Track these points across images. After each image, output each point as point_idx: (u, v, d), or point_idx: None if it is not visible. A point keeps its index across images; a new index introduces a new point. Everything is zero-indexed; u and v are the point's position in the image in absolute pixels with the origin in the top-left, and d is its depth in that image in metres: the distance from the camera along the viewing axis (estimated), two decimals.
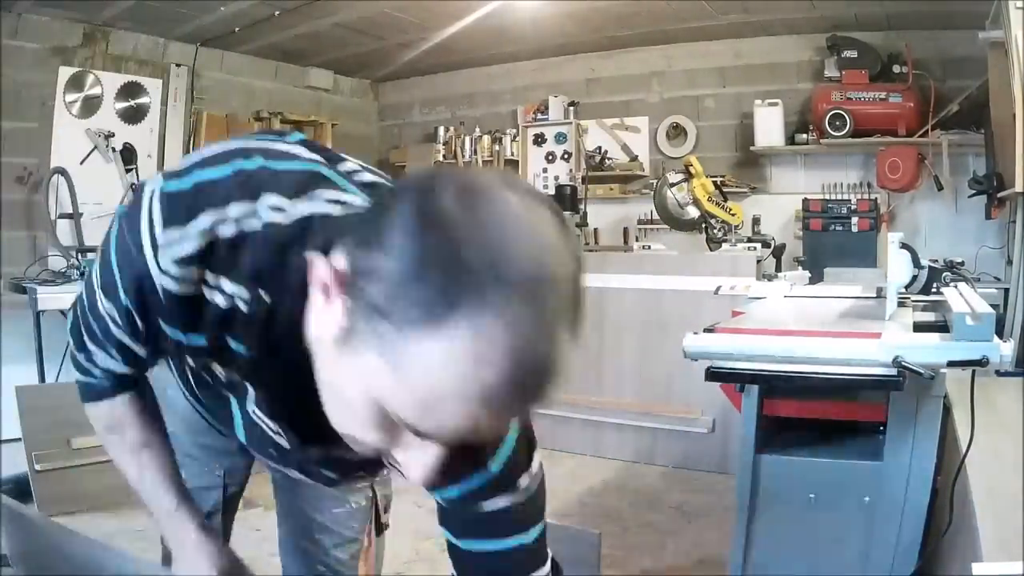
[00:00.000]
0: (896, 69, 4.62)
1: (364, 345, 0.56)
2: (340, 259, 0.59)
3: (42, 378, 3.53)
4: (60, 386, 3.60)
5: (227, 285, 0.70)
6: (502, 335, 0.52)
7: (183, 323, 0.74)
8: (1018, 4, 2.71)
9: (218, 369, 0.80)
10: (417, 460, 0.63)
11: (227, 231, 0.68)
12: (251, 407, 0.82)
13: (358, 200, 0.71)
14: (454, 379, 0.53)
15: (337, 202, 0.71)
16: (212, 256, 0.69)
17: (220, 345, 0.75)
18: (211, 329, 0.74)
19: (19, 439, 3.07)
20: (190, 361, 0.82)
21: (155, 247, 0.70)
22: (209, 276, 0.70)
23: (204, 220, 0.68)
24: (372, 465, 0.76)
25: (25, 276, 3.85)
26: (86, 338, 0.87)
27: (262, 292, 0.70)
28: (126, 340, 0.81)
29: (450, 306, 0.52)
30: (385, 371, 0.55)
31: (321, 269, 0.60)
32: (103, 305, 0.79)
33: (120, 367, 0.88)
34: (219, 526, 1.20)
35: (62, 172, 4.35)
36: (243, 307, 0.71)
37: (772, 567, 1.80)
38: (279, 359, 0.71)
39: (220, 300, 0.71)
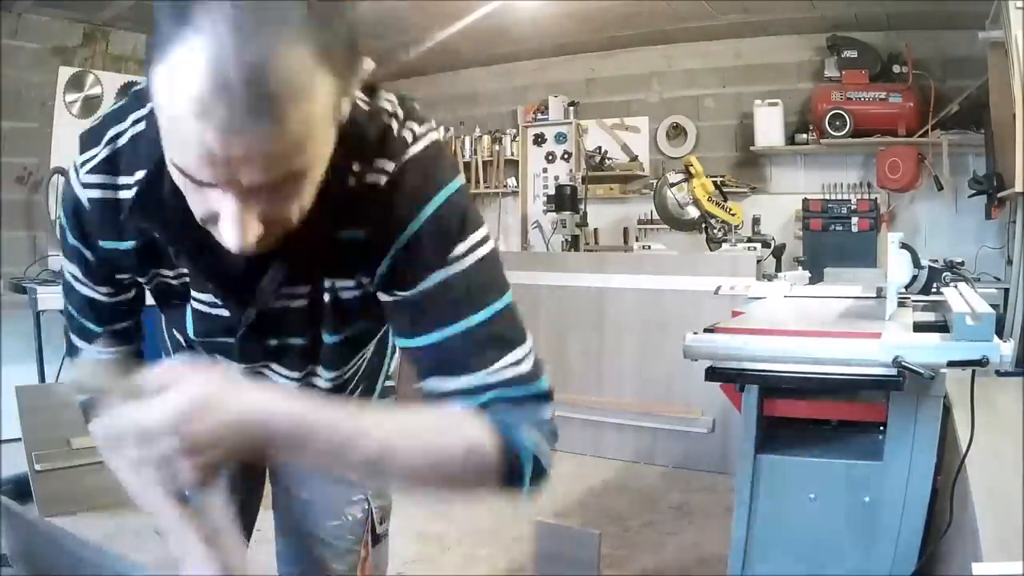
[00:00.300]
0: (896, 69, 4.62)
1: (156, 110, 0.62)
2: None
3: (42, 378, 3.53)
4: (60, 386, 3.60)
5: (130, 179, 0.81)
6: (205, 46, 0.56)
7: (113, 230, 0.84)
8: (1018, 4, 2.71)
9: (167, 275, 0.88)
10: (225, 221, 0.65)
11: (124, 139, 0.82)
12: (193, 298, 0.89)
13: None
14: (180, 100, 0.58)
15: None
16: (117, 160, 0.82)
17: (146, 241, 0.84)
18: (132, 226, 0.83)
19: (19, 439, 3.07)
20: (145, 282, 0.92)
21: (76, 170, 0.84)
22: (120, 179, 0.82)
23: (108, 134, 0.83)
24: (303, 322, 0.87)
25: (25, 276, 3.86)
26: (72, 337, 0.98)
27: (154, 171, 0.77)
28: (88, 292, 0.92)
29: (168, 34, 0.58)
30: (162, 125, 0.62)
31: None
32: (67, 270, 0.93)
33: (106, 342, 0.96)
34: None
35: (62, 172, 4.34)
36: (147, 190, 0.78)
37: (772, 567, 1.80)
38: (184, 225, 0.74)
39: (129, 194, 0.81)
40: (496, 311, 0.80)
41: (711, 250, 4.24)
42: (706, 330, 1.71)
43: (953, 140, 4.46)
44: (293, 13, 0.58)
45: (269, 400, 0.68)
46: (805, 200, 4.78)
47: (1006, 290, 3.13)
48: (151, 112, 0.72)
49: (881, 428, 1.71)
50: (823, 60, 4.90)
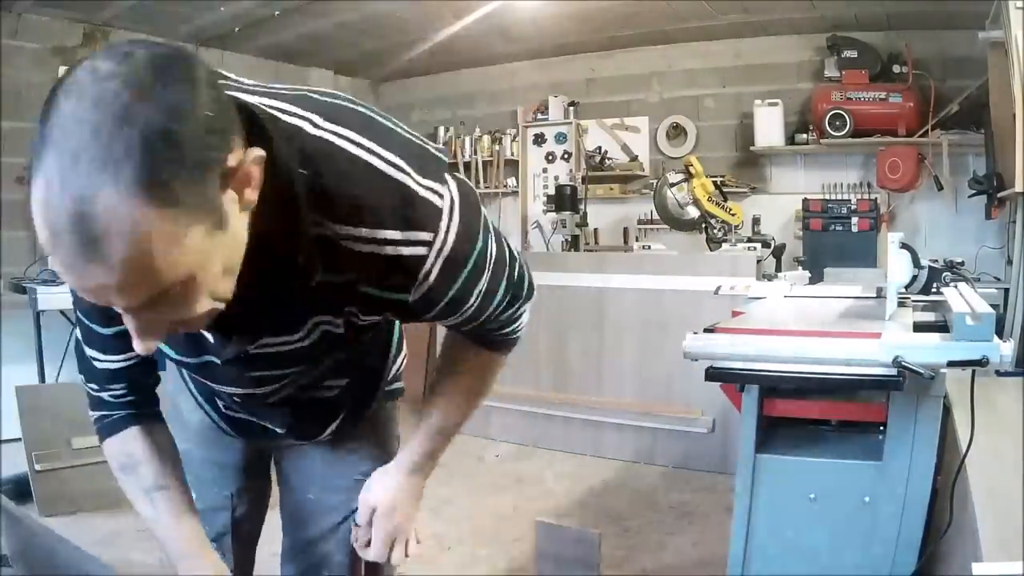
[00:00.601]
0: (896, 69, 4.62)
1: None
2: None
3: (42, 378, 3.53)
4: (60, 386, 3.60)
5: None
6: (43, 189, 0.60)
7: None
8: (1018, 4, 2.71)
9: None
10: (131, 332, 0.68)
11: None
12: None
13: None
14: (37, 228, 0.62)
15: None
16: None
17: None
18: None
19: (19, 439, 3.07)
20: None
21: None
22: None
23: None
24: (293, 357, 0.90)
25: (25, 276, 3.85)
26: (88, 349, 0.96)
27: None
28: (98, 328, 0.92)
29: (32, 169, 0.62)
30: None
31: None
32: (79, 311, 0.91)
33: (118, 363, 0.95)
34: (229, 548, 1.20)
35: None
36: None
37: (772, 567, 1.80)
38: None
39: None
40: (507, 282, 0.95)
41: (711, 250, 4.24)
42: (706, 330, 1.71)
43: (953, 140, 4.46)
44: (117, 151, 0.58)
45: (411, 472, 1.10)
46: (805, 200, 4.78)
47: (1006, 290, 3.13)
48: None
49: (881, 428, 1.71)
50: (823, 60, 4.90)
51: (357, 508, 1.11)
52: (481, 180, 6.09)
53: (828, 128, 4.72)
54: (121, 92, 0.58)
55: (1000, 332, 1.57)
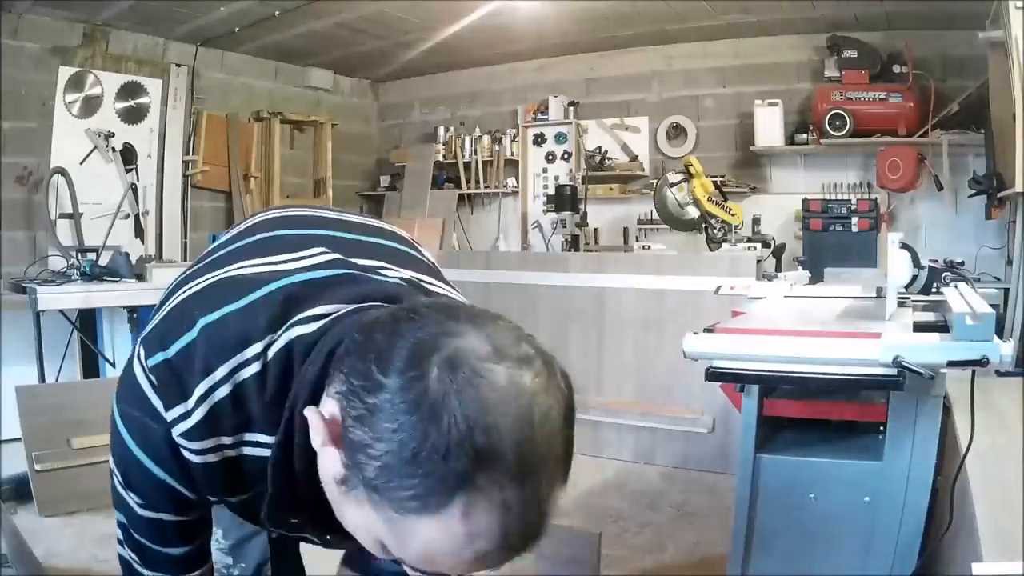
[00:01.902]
0: (896, 69, 4.62)
1: (362, 502, 0.61)
2: (331, 405, 0.63)
3: (42, 378, 3.53)
4: (60, 386, 3.60)
5: (245, 437, 0.75)
6: (493, 515, 0.57)
7: (225, 486, 0.79)
8: (1018, 4, 2.71)
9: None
10: None
11: (221, 393, 0.73)
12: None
13: (332, 308, 0.75)
14: (450, 551, 0.59)
15: (313, 318, 0.74)
16: (219, 420, 0.74)
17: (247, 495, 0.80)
18: (239, 483, 0.78)
19: (19, 439, 3.07)
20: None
21: (166, 423, 0.74)
22: (225, 439, 0.75)
23: (198, 390, 0.73)
24: None
25: (25, 276, 3.86)
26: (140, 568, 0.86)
27: (281, 440, 0.73)
28: (156, 515, 0.81)
29: (442, 496, 0.56)
30: (384, 530, 0.61)
31: (315, 422, 0.63)
32: (128, 502, 0.81)
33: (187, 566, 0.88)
34: None
35: (62, 172, 4.35)
36: (279, 466, 0.73)
37: (772, 567, 1.80)
38: (296, 481, 0.74)
39: (240, 452, 0.76)
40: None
41: (711, 250, 4.24)
42: (706, 330, 1.71)
43: (953, 140, 4.46)
44: (563, 456, 0.61)
45: None
46: (805, 200, 4.78)
47: (1006, 290, 3.13)
48: (253, 362, 0.73)
49: (881, 428, 1.71)
50: (823, 60, 4.90)
51: None
52: (481, 180, 6.09)
53: (828, 128, 4.71)
54: (552, 393, 0.61)
55: (1000, 332, 1.57)
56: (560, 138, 5.85)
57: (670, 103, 5.57)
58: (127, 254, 4.09)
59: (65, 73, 4.52)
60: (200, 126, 5.25)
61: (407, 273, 0.87)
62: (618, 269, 4.03)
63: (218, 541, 1.30)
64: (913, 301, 2.20)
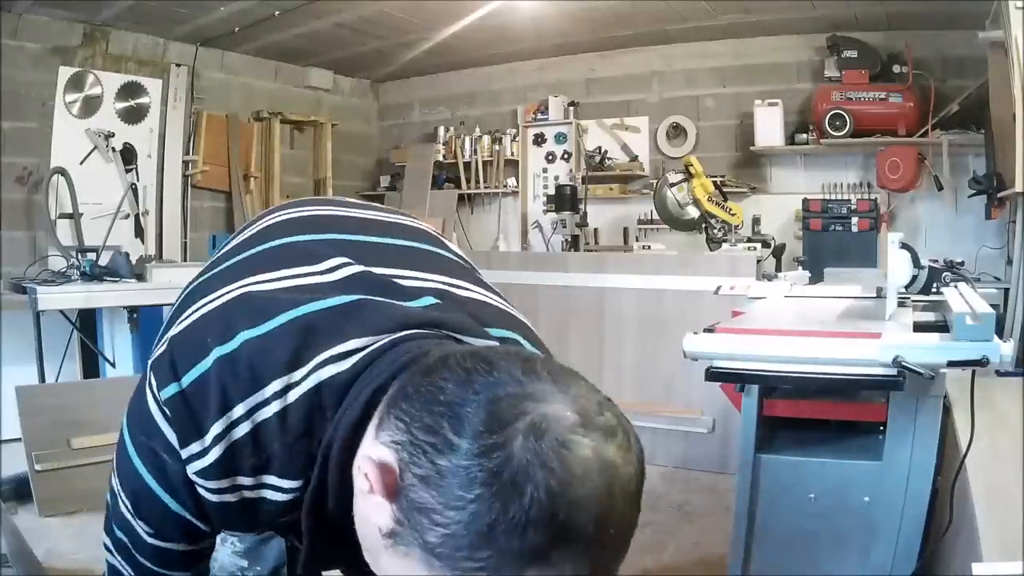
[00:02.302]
0: (896, 69, 4.62)
1: (412, 559, 0.56)
2: (385, 453, 0.58)
3: (42, 378, 3.53)
4: (60, 386, 3.60)
5: (266, 480, 0.72)
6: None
7: (245, 523, 0.76)
8: (1018, 4, 2.71)
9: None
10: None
11: (240, 432, 0.70)
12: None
13: (363, 342, 0.71)
14: None
15: (344, 355, 0.70)
16: (236, 459, 0.70)
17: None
18: (255, 521, 0.75)
19: (19, 439, 3.07)
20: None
21: (180, 460, 0.71)
22: (242, 479, 0.72)
23: (214, 429, 0.69)
24: None
25: (25, 276, 3.85)
26: None
27: (316, 486, 0.69)
28: (163, 544, 0.79)
29: (511, 570, 0.52)
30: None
31: (373, 473, 0.58)
32: (135, 527, 0.78)
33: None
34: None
35: (62, 172, 4.35)
36: (313, 509, 0.70)
37: (772, 567, 1.80)
38: (325, 522, 0.71)
39: (259, 495, 0.73)
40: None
41: (711, 250, 4.24)
42: (706, 330, 1.71)
43: (953, 140, 4.46)
44: (631, 532, 0.60)
45: None
46: (805, 200, 4.78)
47: (1006, 290, 3.13)
48: (272, 401, 0.69)
49: (881, 428, 1.71)
50: (823, 60, 4.90)
51: None
52: (481, 180, 6.09)
53: (828, 128, 4.71)
54: (630, 464, 0.59)
55: (1000, 332, 1.57)
56: (560, 138, 5.85)
57: (670, 103, 5.57)
58: (127, 254, 4.09)
59: (65, 73, 4.52)
60: (200, 126, 5.25)
61: (436, 280, 0.83)
62: (618, 269, 4.03)
63: (233, 544, 1.29)
64: (913, 301, 2.20)
